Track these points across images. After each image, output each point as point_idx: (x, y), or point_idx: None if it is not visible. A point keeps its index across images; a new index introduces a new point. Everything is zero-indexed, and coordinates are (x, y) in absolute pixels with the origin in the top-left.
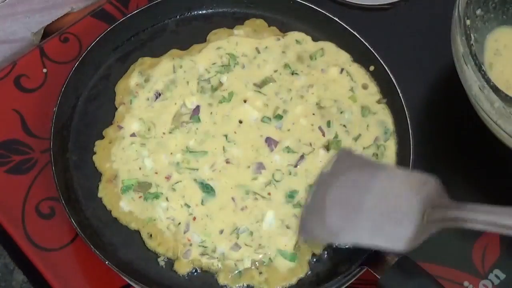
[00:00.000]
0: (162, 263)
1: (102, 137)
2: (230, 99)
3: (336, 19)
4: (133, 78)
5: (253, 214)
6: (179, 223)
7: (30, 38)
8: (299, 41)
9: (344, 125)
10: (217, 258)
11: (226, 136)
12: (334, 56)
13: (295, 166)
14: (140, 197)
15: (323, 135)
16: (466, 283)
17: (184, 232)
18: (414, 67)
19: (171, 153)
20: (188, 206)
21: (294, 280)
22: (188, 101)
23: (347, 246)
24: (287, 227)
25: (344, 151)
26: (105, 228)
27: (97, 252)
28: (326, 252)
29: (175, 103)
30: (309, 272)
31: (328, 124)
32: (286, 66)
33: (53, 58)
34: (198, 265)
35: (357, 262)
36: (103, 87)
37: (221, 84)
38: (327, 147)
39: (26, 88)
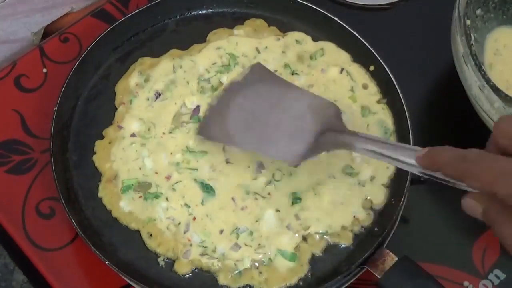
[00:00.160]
0: (162, 263)
1: (102, 137)
2: None
3: (336, 19)
4: (133, 78)
5: (253, 214)
6: (179, 223)
7: (30, 38)
8: (299, 41)
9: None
10: (217, 258)
11: None
12: (334, 56)
13: (295, 166)
14: (140, 197)
15: None
16: (466, 283)
17: (184, 232)
18: (414, 67)
19: (171, 153)
20: (188, 206)
21: (294, 280)
22: (188, 101)
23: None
24: (287, 227)
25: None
26: (105, 228)
27: (97, 252)
28: (326, 252)
29: (175, 103)
30: (309, 272)
31: None
32: (286, 66)
33: (53, 58)
34: (198, 265)
35: (357, 262)
36: (103, 87)
37: (221, 84)
38: None
39: (26, 88)
